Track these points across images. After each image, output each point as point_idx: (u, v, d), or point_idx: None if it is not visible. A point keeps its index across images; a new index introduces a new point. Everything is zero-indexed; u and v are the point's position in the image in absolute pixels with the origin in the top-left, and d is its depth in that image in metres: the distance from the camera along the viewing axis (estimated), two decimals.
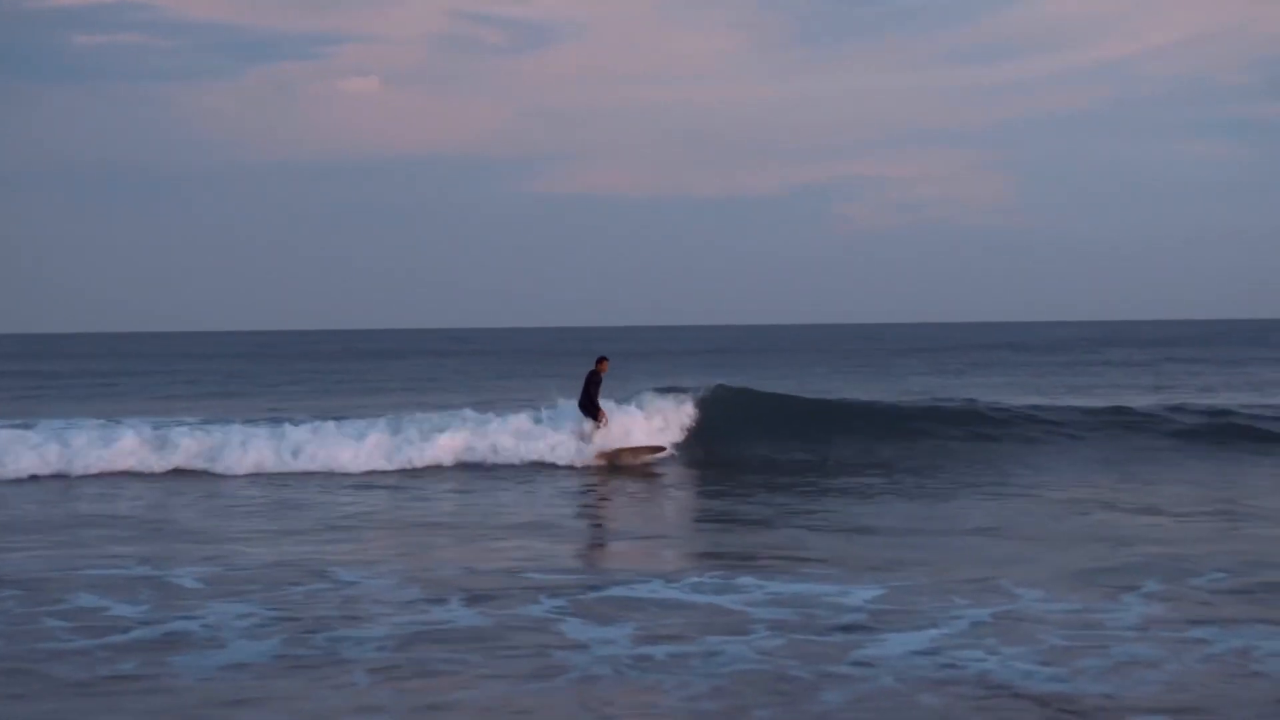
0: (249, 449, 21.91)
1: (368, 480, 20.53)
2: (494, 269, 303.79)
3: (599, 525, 16.73)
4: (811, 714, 7.80)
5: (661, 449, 22.61)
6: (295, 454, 21.98)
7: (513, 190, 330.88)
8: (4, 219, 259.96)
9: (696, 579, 11.71)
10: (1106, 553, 12.85)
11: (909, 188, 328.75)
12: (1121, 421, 25.05)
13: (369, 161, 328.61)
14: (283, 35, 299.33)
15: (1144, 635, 9.43)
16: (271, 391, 46.57)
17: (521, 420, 23.17)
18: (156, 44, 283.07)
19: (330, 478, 20.76)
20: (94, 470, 21.32)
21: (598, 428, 22.27)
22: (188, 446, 22.06)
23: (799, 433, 23.98)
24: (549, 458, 22.16)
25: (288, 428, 22.96)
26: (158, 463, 21.72)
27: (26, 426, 23.85)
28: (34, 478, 20.91)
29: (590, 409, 22.40)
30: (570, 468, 21.72)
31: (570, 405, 22.92)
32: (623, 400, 23.81)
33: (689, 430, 23.60)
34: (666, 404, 23.97)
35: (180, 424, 24.22)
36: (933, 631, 9.61)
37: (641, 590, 11.24)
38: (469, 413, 23.83)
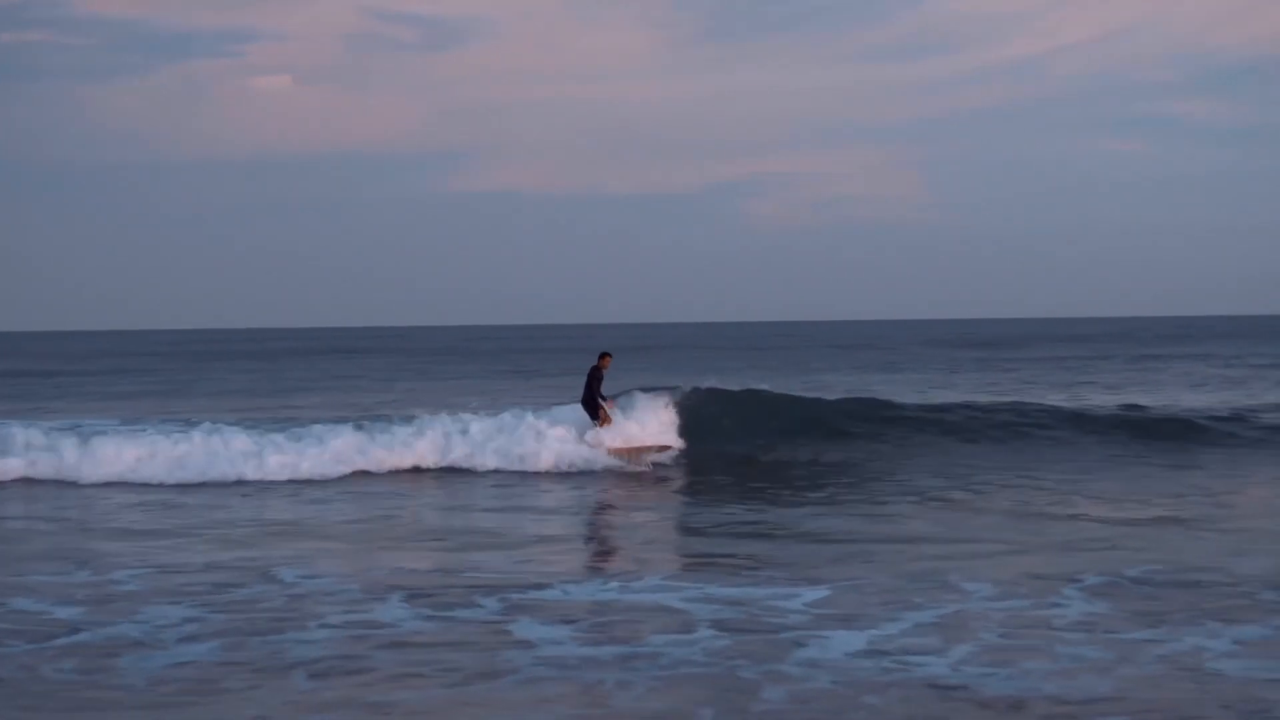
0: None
1: (269, 488, 19.45)
2: (408, 266, 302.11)
3: (544, 527, 16.17)
4: (755, 713, 7.83)
5: (668, 447, 21.89)
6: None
7: (428, 188, 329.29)
8: None
9: (644, 580, 11.69)
10: (1052, 553, 12.92)
11: (824, 185, 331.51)
12: (1021, 421, 24.92)
13: (282, 159, 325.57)
14: (194, 33, 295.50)
15: (1092, 637, 9.49)
16: (190, 390, 46.02)
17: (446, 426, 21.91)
18: (66, 42, 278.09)
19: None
20: None
21: (596, 427, 21.34)
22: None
23: (753, 432, 23.41)
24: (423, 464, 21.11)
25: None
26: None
27: None
28: None
29: (591, 407, 21.56)
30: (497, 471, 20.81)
31: (574, 407, 22.10)
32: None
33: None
34: (656, 402, 22.93)
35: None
36: (876, 632, 9.65)
37: (587, 592, 11.21)
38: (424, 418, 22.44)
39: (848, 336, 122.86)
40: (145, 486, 19.43)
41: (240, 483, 19.74)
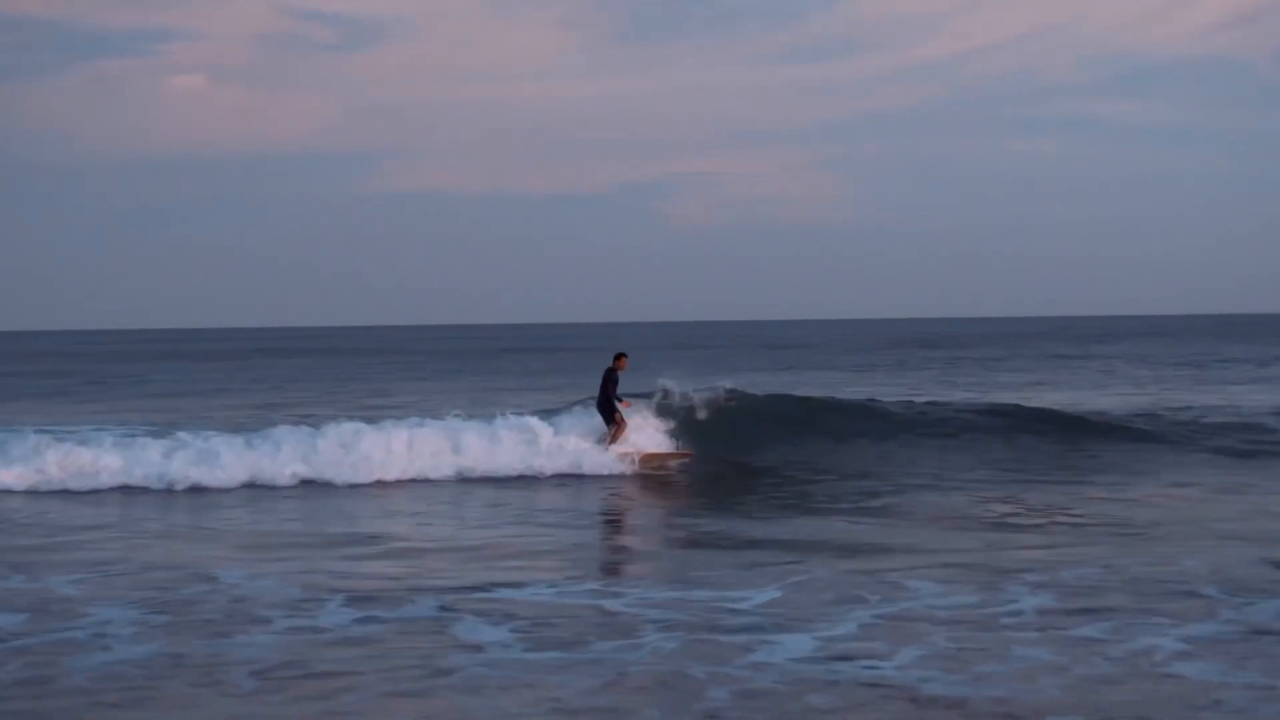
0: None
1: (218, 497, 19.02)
2: (326, 266, 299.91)
3: (494, 532, 15.48)
4: (699, 713, 7.90)
5: (688, 454, 21.20)
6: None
7: (345, 188, 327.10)
8: None
9: (590, 584, 11.68)
10: (996, 552, 13.03)
11: (742, 185, 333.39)
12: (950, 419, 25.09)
13: (197, 159, 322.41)
14: (108, 32, 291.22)
15: (1042, 636, 9.54)
16: (106, 394, 45.37)
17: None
18: None
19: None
20: None
21: (610, 432, 20.83)
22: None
23: (708, 433, 22.62)
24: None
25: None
26: None
27: None
28: None
29: (607, 410, 20.97)
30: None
31: (579, 413, 21.77)
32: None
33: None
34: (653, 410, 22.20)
35: None
36: (828, 632, 9.68)
37: (534, 594, 11.17)
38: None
39: (769, 336, 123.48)
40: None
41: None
